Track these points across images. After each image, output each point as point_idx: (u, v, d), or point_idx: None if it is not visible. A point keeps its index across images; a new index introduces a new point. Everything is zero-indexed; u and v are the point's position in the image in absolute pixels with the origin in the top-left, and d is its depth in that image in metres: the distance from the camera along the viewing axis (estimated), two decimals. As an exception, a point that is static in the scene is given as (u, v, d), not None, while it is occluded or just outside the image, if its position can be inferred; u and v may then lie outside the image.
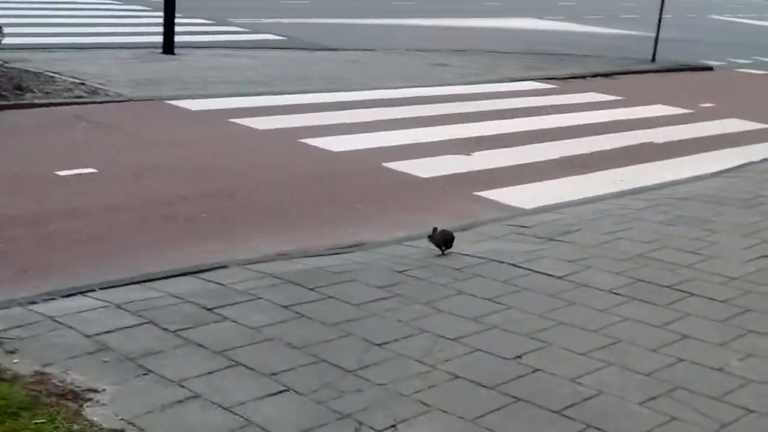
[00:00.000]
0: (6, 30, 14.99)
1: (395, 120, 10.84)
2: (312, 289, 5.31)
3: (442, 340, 4.66)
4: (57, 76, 11.78)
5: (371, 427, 3.74)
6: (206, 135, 9.47)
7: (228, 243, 6.36)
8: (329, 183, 8.09)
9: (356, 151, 9.25)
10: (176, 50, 14.60)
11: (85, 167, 7.82)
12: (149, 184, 7.52)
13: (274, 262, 5.87)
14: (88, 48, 14.59)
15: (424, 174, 8.51)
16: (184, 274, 5.52)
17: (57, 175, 7.57)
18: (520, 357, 4.53)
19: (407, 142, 9.74)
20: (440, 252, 6.10)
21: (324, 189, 7.87)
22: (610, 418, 3.95)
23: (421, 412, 3.89)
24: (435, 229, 6.11)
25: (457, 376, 4.26)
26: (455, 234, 6.19)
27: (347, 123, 10.50)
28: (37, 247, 5.99)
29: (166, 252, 6.08)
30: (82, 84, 11.36)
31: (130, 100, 10.85)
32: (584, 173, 9.01)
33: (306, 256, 6.05)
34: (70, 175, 7.59)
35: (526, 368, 4.39)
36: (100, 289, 5.16)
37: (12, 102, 9.98)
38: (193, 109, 10.63)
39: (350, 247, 6.39)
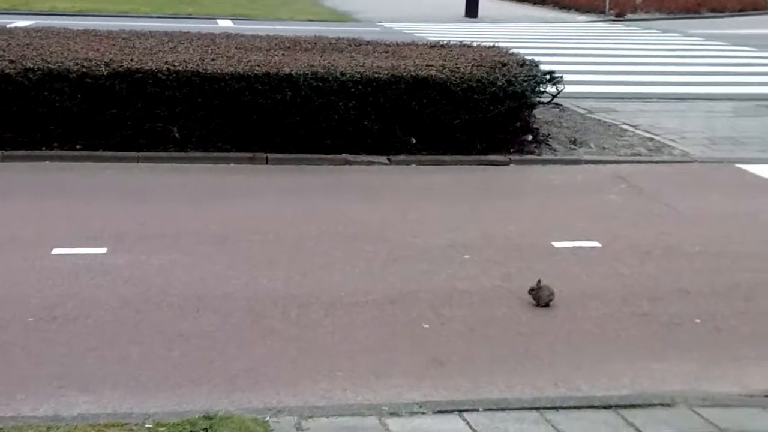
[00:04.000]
0: (607, 78, 14.66)
1: None
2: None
3: None
4: (630, 129, 10.83)
5: None
6: (758, 211, 7.73)
7: (706, 365, 4.84)
8: None
9: None
10: (792, 102, 12.68)
11: (589, 239, 6.76)
12: (649, 270, 6.20)
13: (741, 410, 4.25)
14: (689, 99, 13.33)
15: None
16: (605, 407, 4.22)
17: (552, 245, 6.63)
18: None
19: None
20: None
21: None
22: None
23: None
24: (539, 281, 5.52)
25: None
26: None
27: None
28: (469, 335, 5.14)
29: (611, 363, 4.80)
30: (650, 140, 10.26)
31: (694, 161, 9.46)
32: None
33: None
34: (565, 248, 6.60)
35: None
36: (496, 409, 4.17)
37: (558, 157, 9.29)
38: (764, 175, 8.87)
39: None
